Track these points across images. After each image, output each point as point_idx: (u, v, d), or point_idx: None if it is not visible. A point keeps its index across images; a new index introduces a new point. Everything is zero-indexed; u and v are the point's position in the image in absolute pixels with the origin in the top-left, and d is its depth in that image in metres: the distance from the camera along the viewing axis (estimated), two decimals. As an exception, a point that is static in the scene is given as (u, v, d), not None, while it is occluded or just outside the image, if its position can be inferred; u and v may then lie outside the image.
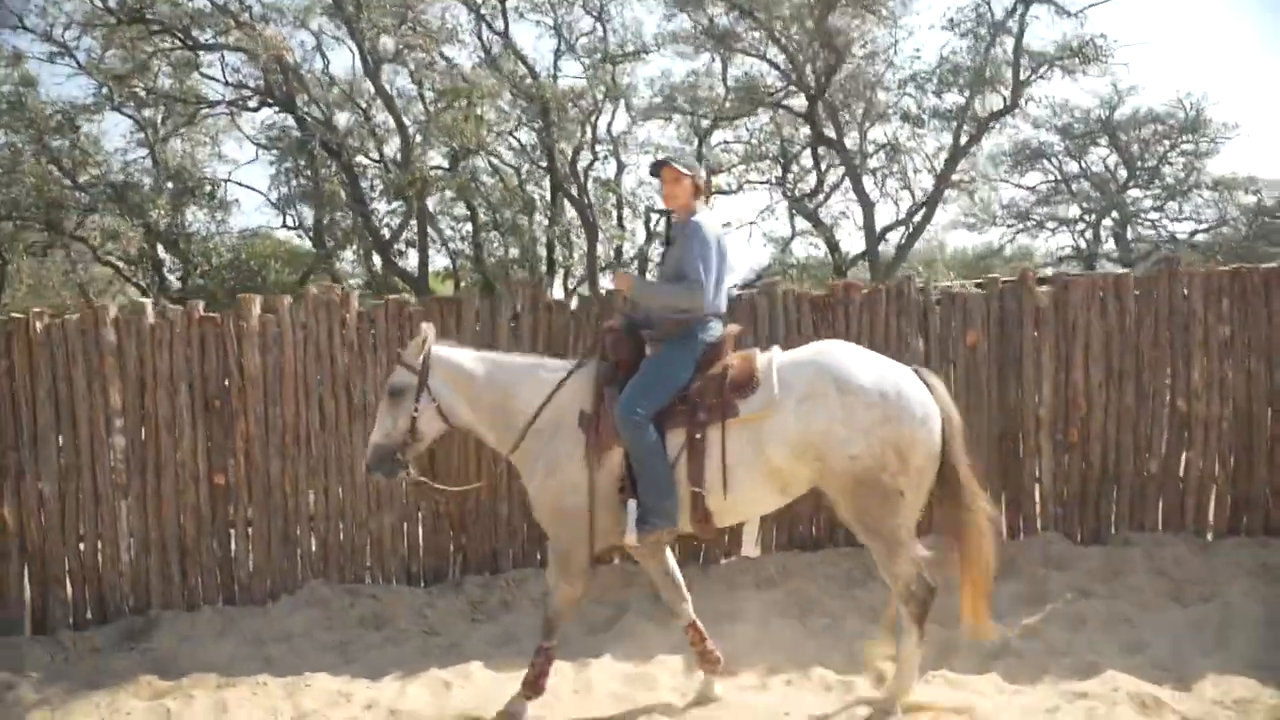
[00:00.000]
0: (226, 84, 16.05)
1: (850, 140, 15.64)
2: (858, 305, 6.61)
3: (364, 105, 14.63)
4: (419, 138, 13.77)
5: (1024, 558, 6.32)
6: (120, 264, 16.61)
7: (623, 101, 17.06)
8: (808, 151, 17.36)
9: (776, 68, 14.82)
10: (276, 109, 15.03)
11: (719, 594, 6.04)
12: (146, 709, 4.91)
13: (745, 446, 4.34)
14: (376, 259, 15.82)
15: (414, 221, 14.67)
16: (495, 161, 16.98)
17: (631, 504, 4.35)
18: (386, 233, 14.98)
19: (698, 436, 4.36)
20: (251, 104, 15.32)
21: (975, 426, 6.60)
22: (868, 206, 14.71)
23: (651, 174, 4.75)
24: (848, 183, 15.95)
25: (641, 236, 17.36)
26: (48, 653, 5.58)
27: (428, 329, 4.67)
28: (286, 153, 15.02)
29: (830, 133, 15.07)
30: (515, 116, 14.84)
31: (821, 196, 17.21)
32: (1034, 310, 6.61)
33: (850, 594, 5.94)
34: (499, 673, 5.12)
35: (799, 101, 15.88)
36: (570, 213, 15.66)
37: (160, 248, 16.75)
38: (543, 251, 15.53)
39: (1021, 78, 14.97)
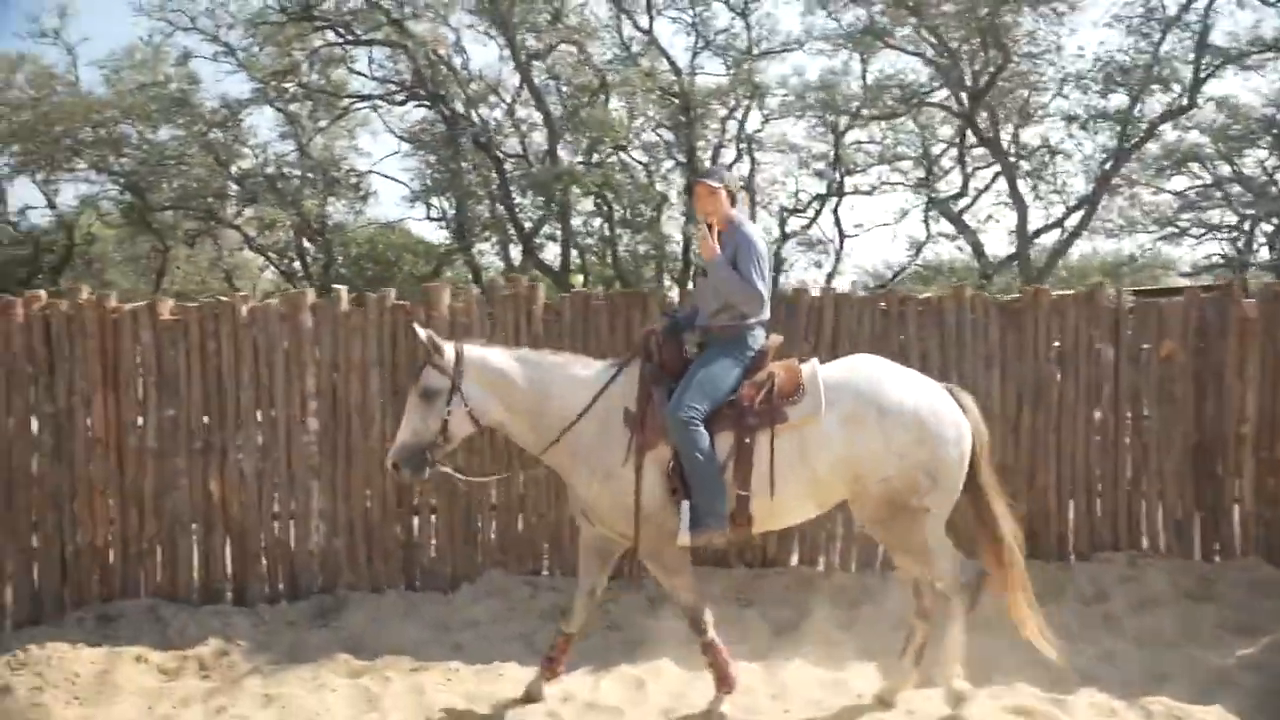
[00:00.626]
0: (373, 79, 16.56)
1: (1002, 141, 15.09)
2: (1046, 311, 6.40)
3: (508, 100, 14.85)
4: (565, 134, 13.88)
5: (1223, 582, 6.03)
6: (271, 253, 17.26)
7: (759, 99, 16.93)
8: (949, 152, 16.91)
9: (934, 65, 14.43)
10: (424, 103, 15.37)
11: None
12: (348, 686, 5.04)
13: (792, 453, 4.44)
14: (514, 251, 16.04)
15: (549, 215, 14.79)
16: (625, 158, 17.04)
17: (685, 505, 4.39)
18: (527, 225, 15.15)
19: (746, 440, 4.44)
20: (398, 98, 15.70)
21: (1168, 441, 6.35)
22: (1022, 209, 14.22)
23: (687, 191, 5.41)
24: (996, 185, 15.49)
25: (776, 235, 17.20)
26: (251, 623, 5.78)
27: (429, 335, 4.56)
28: (435, 146, 15.34)
29: (987, 133, 14.58)
30: (656, 113, 14.84)
31: (968, 199, 16.71)
32: (1239, 321, 6.29)
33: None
34: (688, 671, 5.09)
35: (943, 97, 15.42)
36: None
37: (303, 238, 17.37)
38: (676, 249, 15.50)
39: (1201, 75, 14.18)
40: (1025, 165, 14.78)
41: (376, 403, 6.13)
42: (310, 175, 15.91)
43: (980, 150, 15.95)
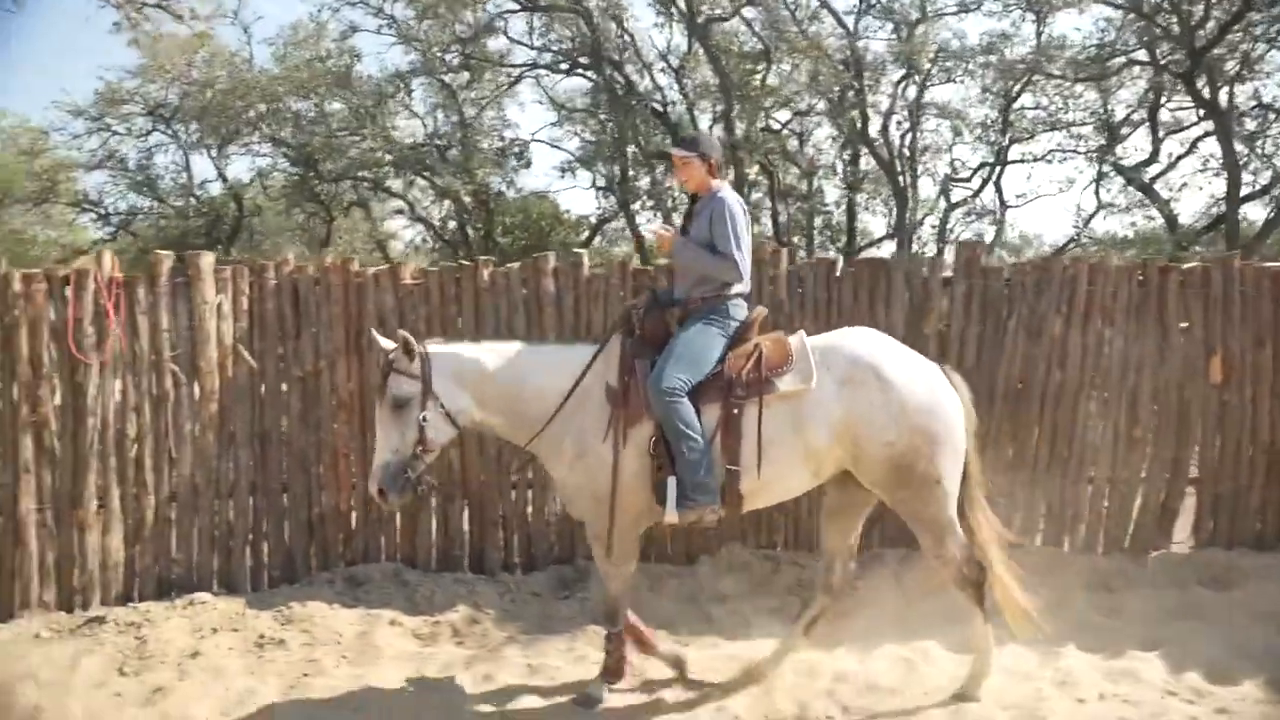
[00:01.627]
0: (533, 48, 16.56)
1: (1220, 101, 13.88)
2: (1333, 281, 5.87)
3: (676, 66, 14.62)
4: (737, 104, 13.57)
5: None
6: (431, 223, 17.55)
7: (922, 63, 16.27)
8: (1134, 116, 15.92)
9: (1150, 20, 13.47)
10: (588, 71, 15.29)
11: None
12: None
13: (783, 424, 4.29)
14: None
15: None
16: (793, 126, 16.62)
17: (671, 481, 4.21)
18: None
19: (734, 413, 4.27)
20: (562, 66, 15.66)
21: None
22: (1235, 175, 13.22)
23: (661, 159, 5.24)
24: (1199, 148, 14.42)
25: (942, 205, 16.59)
26: (496, 592, 5.76)
27: (404, 336, 4.30)
28: (599, 112, 15.26)
29: (1202, 91, 13.55)
30: (825, 79, 14.38)
31: (1160, 165, 15.70)
32: None
33: None
34: (957, 654, 4.83)
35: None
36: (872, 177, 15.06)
37: (465, 208, 17.57)
38: (842, 218, 15.07)
39: None
40: (1249, 125, 13.69)
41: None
42: (480, 145, 16.05)
43: (1179, 112, 14.96)
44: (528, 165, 16.59)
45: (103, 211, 17.60)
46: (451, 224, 17.55)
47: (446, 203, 16.85)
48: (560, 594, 5.80)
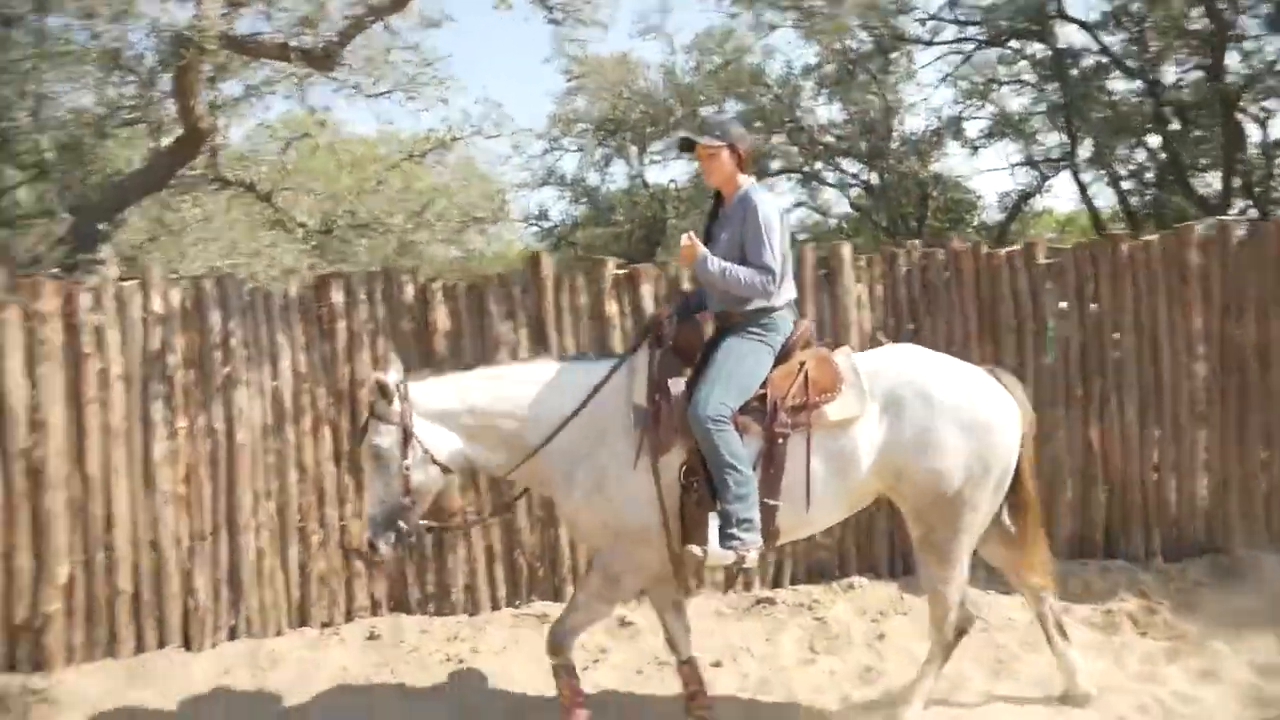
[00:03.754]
0: (955, 21, 16.02)
1: None
2: None
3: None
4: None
5: None
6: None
7: None
8: None
9: None
10: (1030, 39, 14.56)
11: None
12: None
13: (833, 456, 3.89)
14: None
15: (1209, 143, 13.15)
16: None
17: (713, 518, 3.75)
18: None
19: (779, 442, 3.81)
20: (1001, 39, 15.04)
21: None
22: None
23: (681, 150, 4.22)
24: None
25: None
26: (1157, 581, 5.48)
27: (389, 373, 3.90)
28: (1051, 78, 14.46)
29: None
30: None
31: None
32: None
33: None
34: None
35: None
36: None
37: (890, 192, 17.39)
38: None
39: None
40: None
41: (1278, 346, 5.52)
42: (903, 127, 15.88)
43: None
44: (974, 150, 15.97)
45: (546, 225, 19.15)
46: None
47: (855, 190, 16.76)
48: (1227, 584, 5.41)
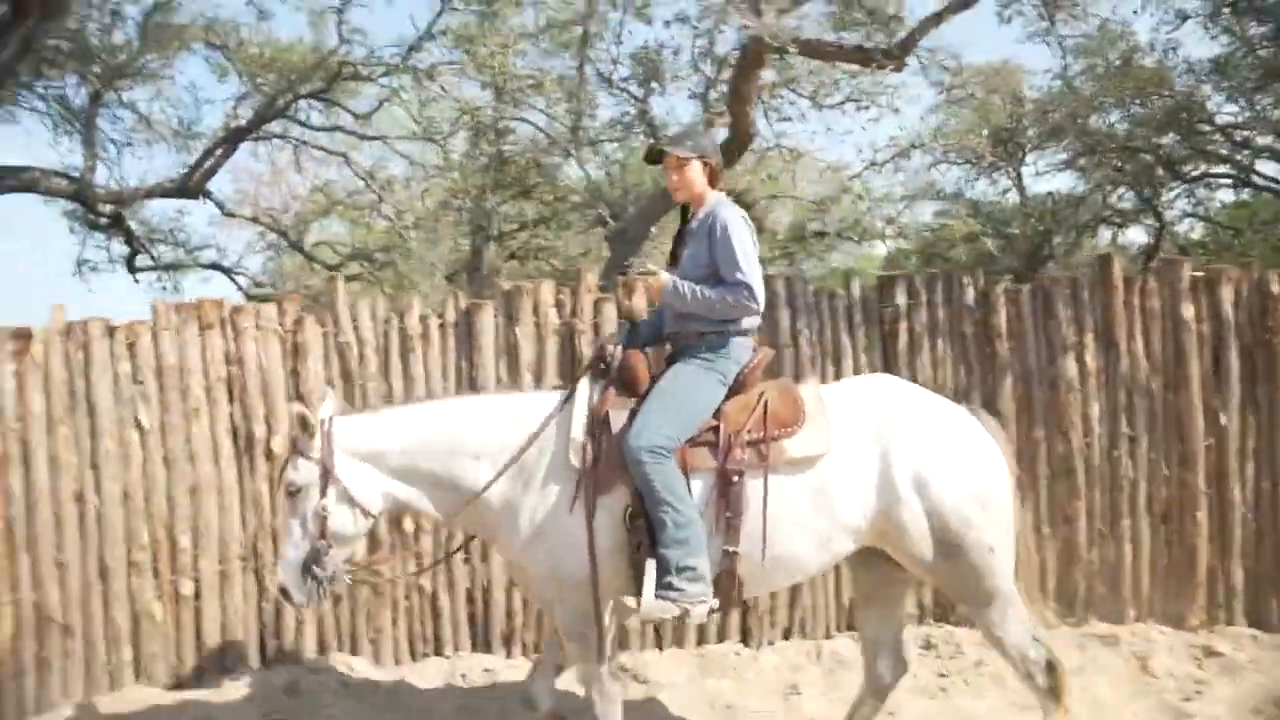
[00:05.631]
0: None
1: None
2: None
3: None
4: None
5: None
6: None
7: None
8: None
9: None
10: None
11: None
12: None
13: (793, 496, 3.47)
14: None
15: None
16: None
17: (649, 564, 3.30)
18: None
19: (734, 480, 3.40)
20: None
21: None
22: None
23: (648, 161, 3.88)
24: None
25: None
26: None
27: (318, 405, 3.67)
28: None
29: None
30: None
31: None
32: None
33: None
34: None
35: None
36: None
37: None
38: None
39: None
40: None
41: None
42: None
43: None
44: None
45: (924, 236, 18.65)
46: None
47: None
48: None
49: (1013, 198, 18.43)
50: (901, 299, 5.31)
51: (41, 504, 4.65)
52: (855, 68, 5.95)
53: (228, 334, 4.96)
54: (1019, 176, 18.09)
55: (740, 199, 7.57)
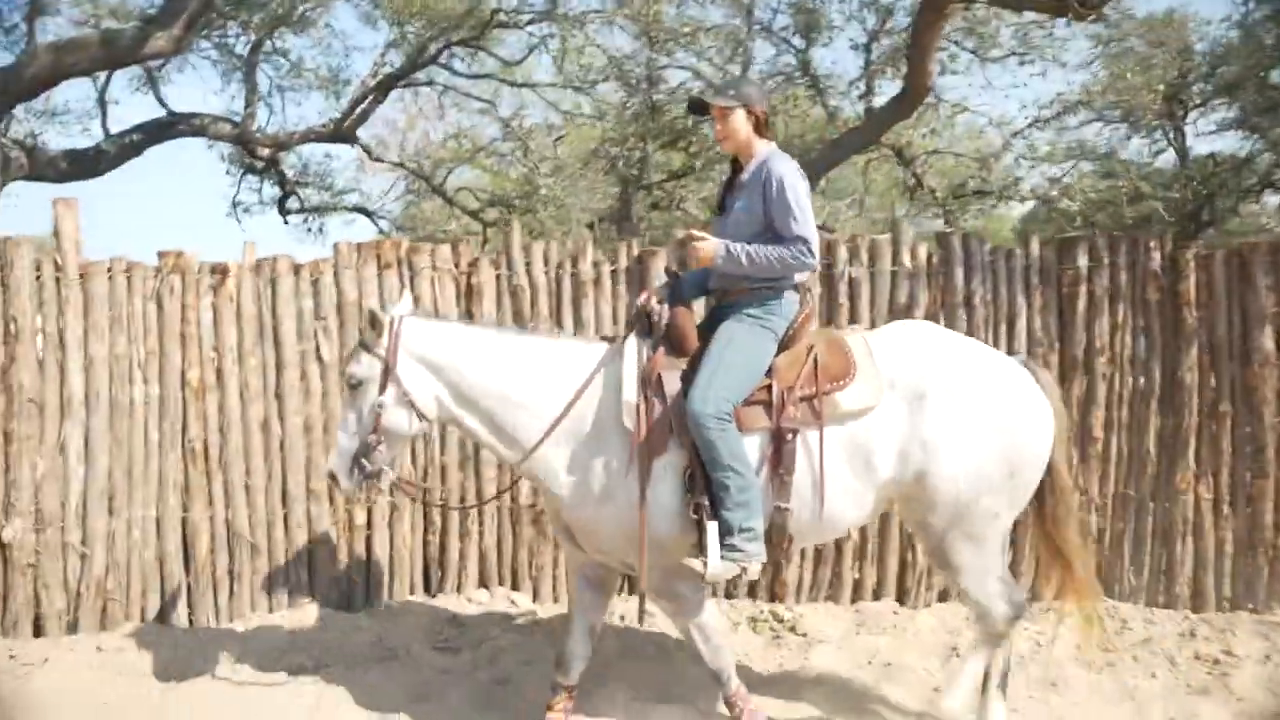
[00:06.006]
0: None
1: None
2: None
3: None
4: None
5: None
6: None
7: None
8: None
9: None
10: None
11: None
12: None
13: (849, 451, 3.46)
14: None
15: None
16: None
17: (711, 527, 3.30)
18: None
19: (788, 438, 3.38)
20: None
21: None
22: None
23: (691, 112, 3.87)
24: None
25: None
26: None
27: (399, 305, 3.69)
28: None
29: None
30: None
31: None
32: None
33: None
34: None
35: None
36: None
37: None
38: None
39: None
40: None
41: None
42: None
43: None
44: None
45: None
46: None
47: None
48: None
49: (1168, 158, 17.42)
50: (1083, 261, 5.09)
51: (233, 430, 4.92)
52: (1043, 17, 5.65)
53: (403, 274, 5.10)
54: (1181, 135, 17.05)
55: (900, 154, 7.34)
